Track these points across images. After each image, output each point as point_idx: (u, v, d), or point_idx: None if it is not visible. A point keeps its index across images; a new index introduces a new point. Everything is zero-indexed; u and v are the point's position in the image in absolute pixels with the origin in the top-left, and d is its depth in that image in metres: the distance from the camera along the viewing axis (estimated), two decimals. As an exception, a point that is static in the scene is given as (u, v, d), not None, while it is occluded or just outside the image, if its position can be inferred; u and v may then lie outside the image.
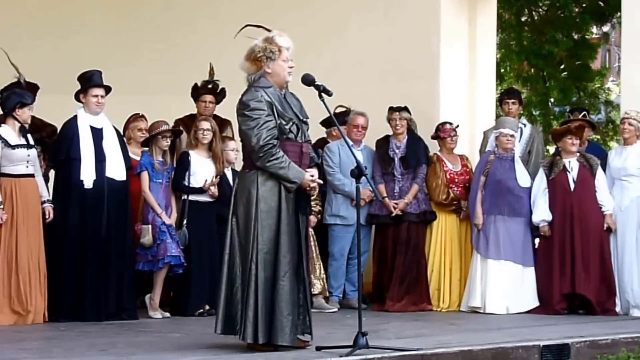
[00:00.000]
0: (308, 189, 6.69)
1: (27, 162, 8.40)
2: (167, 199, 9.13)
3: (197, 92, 10.05)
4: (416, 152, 9.98)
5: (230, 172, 9.57)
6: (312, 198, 7.94)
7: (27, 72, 8.76)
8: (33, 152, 8.46)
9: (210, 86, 10.06)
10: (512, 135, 9.77)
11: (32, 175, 8.46)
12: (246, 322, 6.52)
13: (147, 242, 8.90)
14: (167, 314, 9.03)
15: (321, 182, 6.84)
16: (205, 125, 9.29)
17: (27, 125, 8.50)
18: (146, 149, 9.20)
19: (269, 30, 6.81)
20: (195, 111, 10.09)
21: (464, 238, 10.00)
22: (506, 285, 9.60)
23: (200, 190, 9.19)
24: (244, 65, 6.79)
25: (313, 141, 7.60)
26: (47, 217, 8.51)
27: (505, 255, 9.63)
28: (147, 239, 8.90)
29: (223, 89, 10.04)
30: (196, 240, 9.14)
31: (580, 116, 10.40)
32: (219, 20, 11.58)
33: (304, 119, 6.84)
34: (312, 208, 8.95)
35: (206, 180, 9.18)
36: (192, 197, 9.18)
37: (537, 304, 9.60)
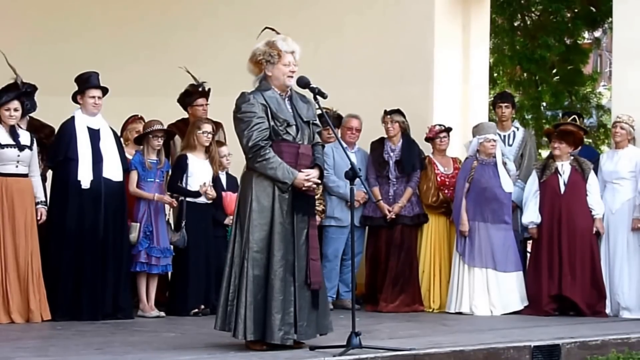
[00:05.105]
0: (303, 188, 6.72)
1: (17, 162, 8.42)
2: (162, 197, 9.16)
3: (191, 98, 9.96)
4: (411, 156, 10.01)
5: (224, 176, 9.65)
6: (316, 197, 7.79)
7: (25, 74, 8.78)
8: (26, 153, 8.46)
9: (200, 89, 10.00)
10: (495, 140, 9.82)
11: (23, 175, 8.47)
12: (237, 319, 6.59)
13: (132, 239, 8.91)
14: (162, 313, 9.07)
15: (319, 181, 6.83)
16: (208, 127, 9.34)
17: (19, 125, 8.55)
18: (140, 147, 9.24)
19: (278, 34, 6.89)
20: (185, 115, 10.05)
21: (453, 240, 10.02)
22: (489, 291, 9.63)
23: (197, 194, 9.22)
24: (249, 67, 6.89)
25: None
26: (38, 218, 8.51)
27: (486, 263, 9.66)
28: (133, 236, 8.91)
29: (209, 89, 10.04)
30: (193, 241, 9.19)
31: (569, 120, 10.43)
32: (217, 22, 11.62)
33: (312, 121, 6.89)
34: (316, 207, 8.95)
35: (204, 183, 9.22)
36: (189, 199, 9.23)
37: (521, 306, 9.64)
